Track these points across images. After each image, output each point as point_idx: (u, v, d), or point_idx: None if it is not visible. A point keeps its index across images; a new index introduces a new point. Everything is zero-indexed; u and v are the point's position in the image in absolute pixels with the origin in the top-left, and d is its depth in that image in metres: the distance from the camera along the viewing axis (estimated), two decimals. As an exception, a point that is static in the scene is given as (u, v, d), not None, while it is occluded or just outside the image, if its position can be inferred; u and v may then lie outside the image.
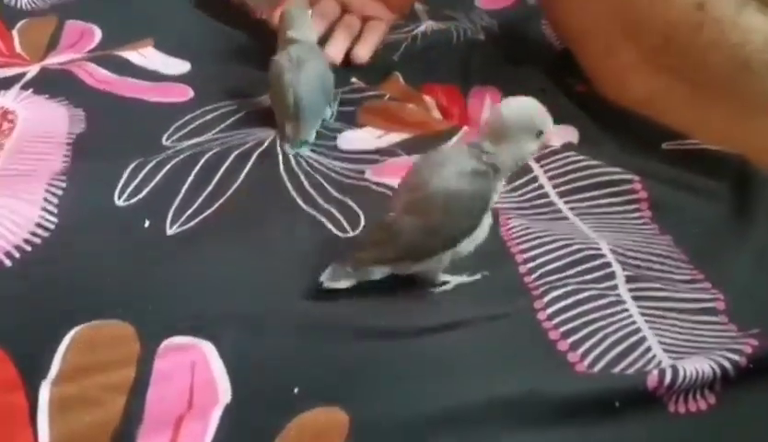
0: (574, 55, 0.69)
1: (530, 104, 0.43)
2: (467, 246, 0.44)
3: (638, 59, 0.62)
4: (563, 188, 0.55)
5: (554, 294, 0.46)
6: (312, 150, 0.58)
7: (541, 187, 0.56)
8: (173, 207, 0.49)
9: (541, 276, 0.47)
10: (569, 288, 0.46)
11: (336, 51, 0.68)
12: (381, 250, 0.43)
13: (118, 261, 0.45)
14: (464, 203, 0.42)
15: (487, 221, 0.44)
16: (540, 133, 0.43)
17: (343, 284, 0.43)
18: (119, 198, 0.50)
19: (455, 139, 0.61)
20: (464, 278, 0.46)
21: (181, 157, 0.53)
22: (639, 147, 0.60)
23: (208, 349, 0.40)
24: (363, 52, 0.68)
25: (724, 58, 0.57)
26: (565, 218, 0.54)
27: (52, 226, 0.47)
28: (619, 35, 0.62)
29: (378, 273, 0.43)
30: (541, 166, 0.56)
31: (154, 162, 0.53)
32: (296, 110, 0.57)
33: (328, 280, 0.43)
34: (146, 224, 0.48)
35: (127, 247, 0.46)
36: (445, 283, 0.45)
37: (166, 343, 0.40)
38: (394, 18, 0.69)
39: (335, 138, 0.60)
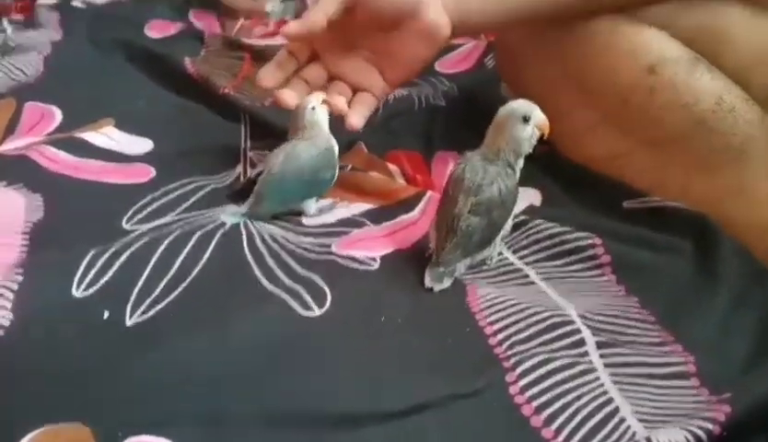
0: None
1: (515, 101, 0.52)
2: (508, 227, 0.54)
3: (595, 121, 0.63)
4: (529, 258, 0.56)
5: (526, 365, 0.45)
6: (278, 226, 0.58)
7: (505, 259, 0.56)
8: (133, 296, 0.48)
9: (511, 346, 0.47)
10: (540, 358, 0.46)
11: (338, 100, 0.60)
12: (461, 250, 0.51)
13: (74, 360, 0.43)
14: (512, 196, 0.52)
15: None
16: (526, 119, 0.51)
17: (446, 282, 0.52)
18: (77, 289, 0.49)
19: (420, 204, 0.61)
20: (504, 248, 0.56)
21: (142, 242, 0.53)
22: (600, 206, 0.61)
23: (170, 447, 0.38)
24: (355, 120, 0.60)
25: (679, 117, 0.58)
26: (533, 283, 0.54)
27: (7, 324, 0.46)
28: (575, 99, 0.63)
29: (462, 267, 0.53)
30: (506, 242, 0.57)
31: (113, 249, 0.52)
32: (260, 188, 0.57)
33: (434, 283, 0.52)
34: (105, 315, 0.47)
35: (84, 343, 0.45)
36: (492, 258, 0.55)
37: (125, 443, 0.38)
38: (388, 92, 0.63)
39: (300, 213, 0.60)
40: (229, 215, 0.57)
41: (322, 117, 0.60)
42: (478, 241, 0.52)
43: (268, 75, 0.60)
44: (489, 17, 0.60)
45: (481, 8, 0.59)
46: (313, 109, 0.58)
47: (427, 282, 0.52)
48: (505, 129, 0.52)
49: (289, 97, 0.59)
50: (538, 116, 0.51)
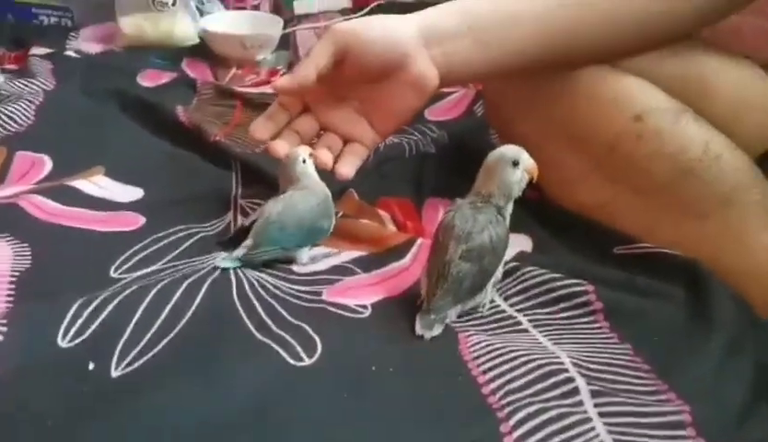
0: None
1: (504, 147, 0.54)
2: (499, 274, 0.54)
3: (583, 169, 0.64)
4: (520, 305, 0.55)
5: (520, 415, 0.44)
6: (269, 274, 0.57)
7: (497, 306, 0.56)
8: (119, 347, 0.47)
9: (504, 396, 0.46)
10: (535, 408, 0.45)
11: (323, 154, 0.61)
12: (452, 296, 0.51)
13: (59, 411, 0.42)
14: (503, 243, 0.53)
15: None
16: (515, 163, 0.52)
17: (437, 330, 0.51)
18: (63, 338, 0.48)
19: (411, 251, 0.61)
20: (495, 295, 0.56)
21: (130, 290, 0.52)
22: (591, 253, 0.61)
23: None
24: (345, 170, 0.61)
25: (665, 166, 0.59)
26: (525, 331, 0.53)
27: (-11, 376, 0.45)
28: (564, 147, 0.64)
29: (453, 313, 0.52)
30: (497, 288, 0.56)
31: (101, 298, 0.51)
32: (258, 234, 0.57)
33: (424, 330, 0.51)
34: (91, 366, 0.46)
35: (69, 394, 0.44)
36: (484, 305, 0.55)
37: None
38: (378, 142, 0.64)
39: (291, 261, 0.59)
40: (222, 260, 0.57)
41: (312, 169, 0.61)
42: (469, 287, 0.51)
43: (260, 127, 0.61)
44: (476, 68, 0.61)
45: (467, 59, 0.60)
46: (304, 161, 0.59)
47: (418, 329, 0.51)
48: (495, 173, 0.53)
49: (281, 147, 0.60)
50: (526, 160, 0.53)
